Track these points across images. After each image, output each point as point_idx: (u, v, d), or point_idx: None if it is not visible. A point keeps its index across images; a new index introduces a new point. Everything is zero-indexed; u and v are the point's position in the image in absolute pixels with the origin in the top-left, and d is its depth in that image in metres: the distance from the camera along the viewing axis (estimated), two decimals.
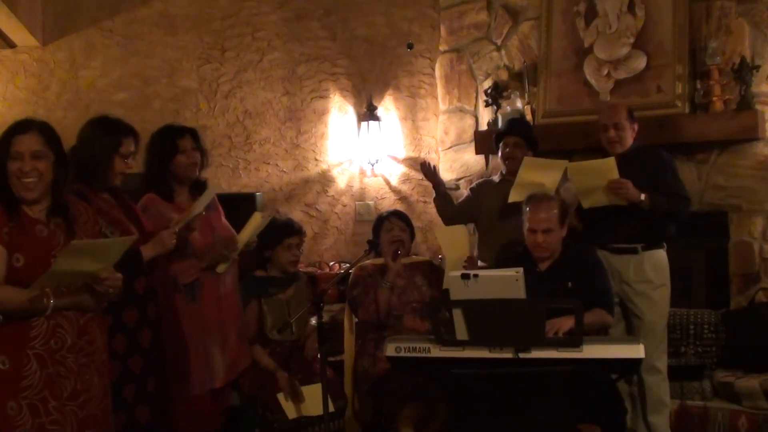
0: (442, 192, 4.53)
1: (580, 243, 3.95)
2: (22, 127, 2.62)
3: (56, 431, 2.52)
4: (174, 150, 3.54)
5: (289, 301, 4.09)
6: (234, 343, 3.63)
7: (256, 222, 3.71)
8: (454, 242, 4.25)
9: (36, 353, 2.52)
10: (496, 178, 4.56)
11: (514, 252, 3.90)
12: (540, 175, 4.08)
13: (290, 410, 3.85)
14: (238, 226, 3.73)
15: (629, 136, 4.07)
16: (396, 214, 4.51)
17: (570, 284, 3.65)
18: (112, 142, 3.09)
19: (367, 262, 4.18)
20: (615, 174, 3.90)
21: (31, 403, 2.49)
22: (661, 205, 3.94)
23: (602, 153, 4.18)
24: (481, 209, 4.47)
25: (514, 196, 4.11)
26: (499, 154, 4.43)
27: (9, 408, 2.45)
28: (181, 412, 3.32)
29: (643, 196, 3.90)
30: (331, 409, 3.65)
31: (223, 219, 3.73)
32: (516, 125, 4.56)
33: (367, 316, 4.19)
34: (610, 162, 3.93)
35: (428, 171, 4.50)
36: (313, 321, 3.73)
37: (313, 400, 3.75)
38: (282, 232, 4.11)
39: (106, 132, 3.12)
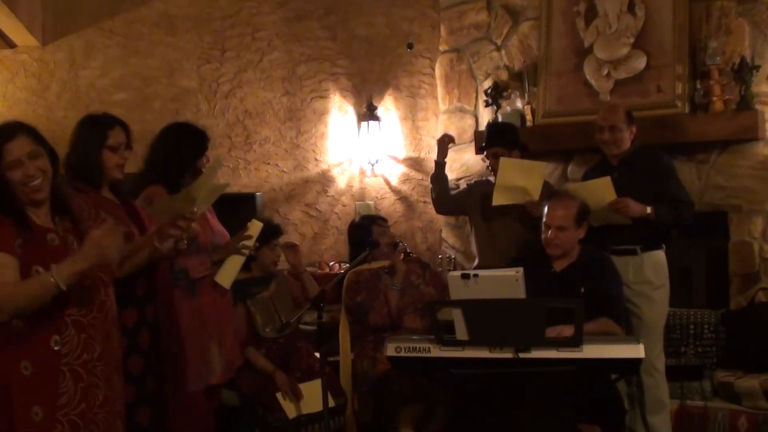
0: (442, 165, 4.58)
1: (598, 248, 3.93)
2: (7, 133, 2.54)
3: None
4: (203, 150, 3.56)
5: (273, 297, 4.16)
6: (230, 342, 3.63)
7: (257, 229, 3.69)
8: None
9: (71, 369, 2.50)
10: (494, 179, 4.56)
11: (531, 251, 3.90)
12: (520, 177, 4.08)
13: (290, 409, 3.87)
14: (239, 226, 3.72)
15: (626, 138, 4.04)
16: (379, 217, 4.59)
17: (583, 289, 3.63)
18: (98, 137, 3.07)
19: (361, 267, 4.17)
20: (612, 194, 3.89)
21: (70, 420, 2.49)
22: (666, 216, 3.93)
23: (602, 153, 4.18)
24: (476, 207, 4.47)
25: (497, 199, 4.13)
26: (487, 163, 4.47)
27: (33, 413, 2.43)
28: (176, 412, 3.31)
29: (649, 209, 3.89)
30: (332, 404, 3.65)
31: (215, 219, 3.72)
32: (493, 136, 4.48)
33: (380, 319, 4.17)
34: (606, 182, 3.90)
35: (443, 144, 4.55)
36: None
37: (313, 396, 3.77)
38: (268, 233, 4.14)
39: (90, 128, 3.10)
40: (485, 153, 4.43)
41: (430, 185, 4.70)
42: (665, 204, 3.94)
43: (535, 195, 4.09)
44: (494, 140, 4.42)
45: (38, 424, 2.43)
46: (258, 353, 4.03)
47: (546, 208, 3.77)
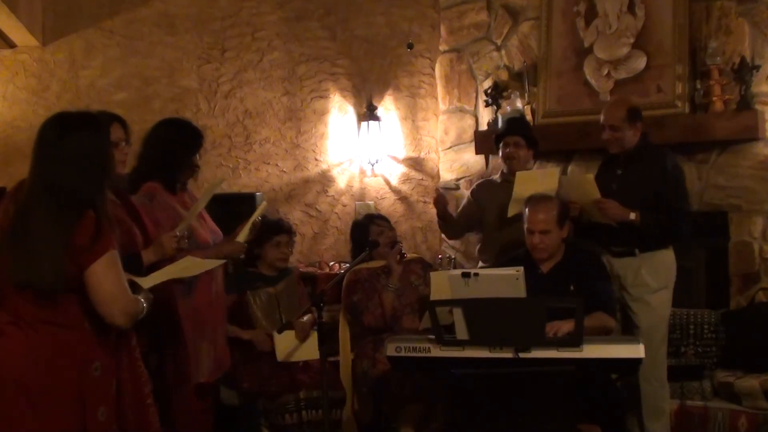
0: (446, 218, 4.48)
1: (584, 244, 3.92)
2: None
3: None
4: (198, 147, 3.55)
5: (279, 294, 4.17)
6: (222, 343, 3.62)
7: (256, 214, 3.68)
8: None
9: (139, 359, 2.62)
10: (497, 178, 4.54)
11: (516, 254, 3.88)
12: (535, 187, 4.04)
13: (281, 352, 3.97)
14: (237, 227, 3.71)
15: (628, 137, 3.97)
16: (378, 216, 4.58)
17: (572, 287, 3.64)
18: None
19: (360, 266, 4.17)
20: (595, 192, 3.86)
21: (153, 404, 2.62)
22: (652, 223, 3.85)
23: (603, 153, 4.17)
24: (483, 211, 4.45)
25: (512, 210, 4.08)
26: (500, 154, 4.41)
27: (99, 414, 2.45)
28: (175, 411, 3.31)
29: (632, 215, 3.83)
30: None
31: (209, 219, 3.71)
32: (516, 125, 4.53)
33: (374, 321, 4.17)
34: (590, 179, 3.88)
35: (440, 205, 4.42)
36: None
37: (310, 344, 3.88)
38: (271, 230, 4.20)
39: None
40: (502, 142, 4.37)
41: (440, 229, 4.65)
42: (656, 211, 3.86)
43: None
44: (517, 129, 4.41)
45: (102, 423, 2.45)
46: (240, 329, 4.05)
47: (527, 213, 3.74)
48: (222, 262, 3.23)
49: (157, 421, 2.70)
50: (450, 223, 4.53)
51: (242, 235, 3.55)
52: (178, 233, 3.14)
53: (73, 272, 2.37)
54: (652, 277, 3.97)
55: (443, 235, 4.74)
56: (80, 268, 2.37)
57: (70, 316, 2.41)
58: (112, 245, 2.41)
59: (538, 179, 4.10)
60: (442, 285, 3.70)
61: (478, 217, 4.49)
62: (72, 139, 2.45)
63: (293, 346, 4.00)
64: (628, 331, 4.04)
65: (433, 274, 4.00)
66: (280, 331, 3.98)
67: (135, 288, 2.54)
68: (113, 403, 2.51)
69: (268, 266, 4.23)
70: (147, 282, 2.64)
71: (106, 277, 2.38)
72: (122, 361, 2.56)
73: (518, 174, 4.14)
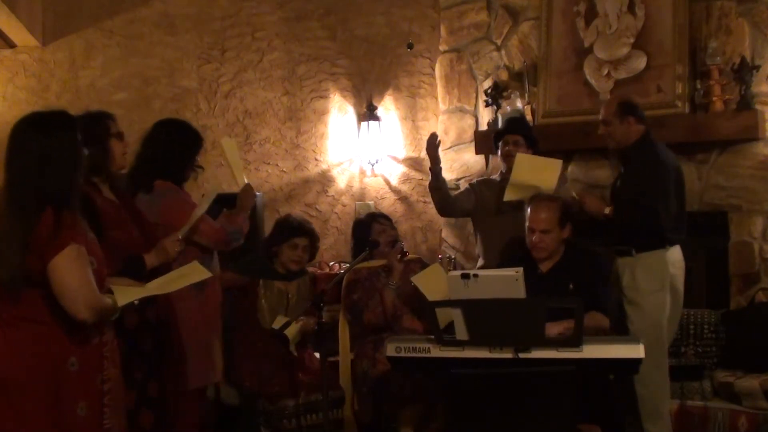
0: (438, 172, 4.33)
1: (585, 243, 3.91)
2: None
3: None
4: (199, 146, 3.61)
5: (290, 292, 4.15)
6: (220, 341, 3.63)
7: (232, 153, 3.70)
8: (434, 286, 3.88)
9: (108, 357, 2.58)
10: (496, 177, 4.56)
11: (516, 253, 3.89)
12: (534, 175, 4.01)
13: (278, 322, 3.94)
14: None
15: (621, 132, 3.97)
16: (381, 215, 4.57)
17: (571, 286, 3.64)
18: (104, 127, 3.09)
19: (361, 266, 4.17)
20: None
21: (111, 406, 2.57)
22: (625, 220, 3.84)
23: (603, 153, 4.17)
24: (480, 207, 4.45)
25: (508, 195, 4.09)
26: (499, 152, 4.42)
27: (78, 409, 2.46)
28: (177, 413, 3.31)
29: (607, 210, 3.84)
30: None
31: None
32: (515, 124, 4.54)
33: (375, 319, 4.16)
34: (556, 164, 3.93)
35: (433, 145, 4.29)
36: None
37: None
38: (291, 230, 4.19)
39: (96, 122, 3.11)
40: (502, 140, 4.36)
41: (430, 193, 4.51)
42: (631, 206, 3.85)
43: (550, 192, 3.99)
44: (516, 128, 4.41)
45: (83, 418, 2.47)
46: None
47: (528, 212, 3.75)
48: (211, 275, 3.18)
49: (121, 426, 2.68)
50: (442, 184, 4.40)
51: (239, 178, 3.64)
52: (180, 237, 3.16)
53: (37, 268, 2.39)
54: (646, 279, 3.95)
55: (435, 206, 4.60)
56: (44, 264, 2.39)
57: (37, 312, 2.43)
58: (75, 240, 2.41)
59: (539, 166, 4.05)
60: (433, 285, 3.71)
61: (471, 206, 4.48)
62: (40, 137, 2.46)
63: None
64: (622, 332, 4.02)
65: (414, 278, 3.95)
66: (281, 330, 3.98)
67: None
68: (98, 399, 2.51)
69: (281, 266, 4.20)
70: (122, 299, 2.61)
71: (67, 270, 2.39)
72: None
73: (518, 156, 4.11)
